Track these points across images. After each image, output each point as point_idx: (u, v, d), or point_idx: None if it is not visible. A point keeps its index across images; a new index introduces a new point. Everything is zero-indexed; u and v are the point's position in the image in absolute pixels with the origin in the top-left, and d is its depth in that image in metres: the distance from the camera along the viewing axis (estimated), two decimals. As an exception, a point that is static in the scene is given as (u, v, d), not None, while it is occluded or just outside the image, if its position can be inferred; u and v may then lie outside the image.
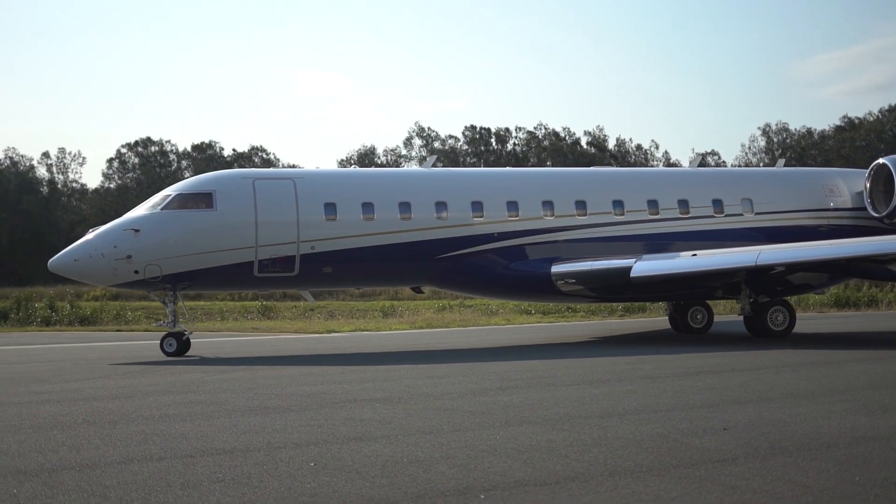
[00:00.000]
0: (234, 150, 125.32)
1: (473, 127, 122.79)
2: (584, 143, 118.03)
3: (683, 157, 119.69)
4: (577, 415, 12.34)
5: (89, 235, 23.91)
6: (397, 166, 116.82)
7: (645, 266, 24.77)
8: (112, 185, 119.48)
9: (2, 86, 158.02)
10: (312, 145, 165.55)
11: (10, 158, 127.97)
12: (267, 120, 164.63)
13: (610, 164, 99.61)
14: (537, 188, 26.75)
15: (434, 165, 28.94)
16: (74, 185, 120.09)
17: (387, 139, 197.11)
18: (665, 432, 10.79)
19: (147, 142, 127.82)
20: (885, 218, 28.08)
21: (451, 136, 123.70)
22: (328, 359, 22.78)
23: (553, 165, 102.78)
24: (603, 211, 26.54)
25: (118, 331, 40.01)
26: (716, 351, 21.89)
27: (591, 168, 36.35)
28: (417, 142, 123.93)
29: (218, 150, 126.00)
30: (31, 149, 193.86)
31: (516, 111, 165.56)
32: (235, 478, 8.92)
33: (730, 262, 24.61)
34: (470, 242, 25.30)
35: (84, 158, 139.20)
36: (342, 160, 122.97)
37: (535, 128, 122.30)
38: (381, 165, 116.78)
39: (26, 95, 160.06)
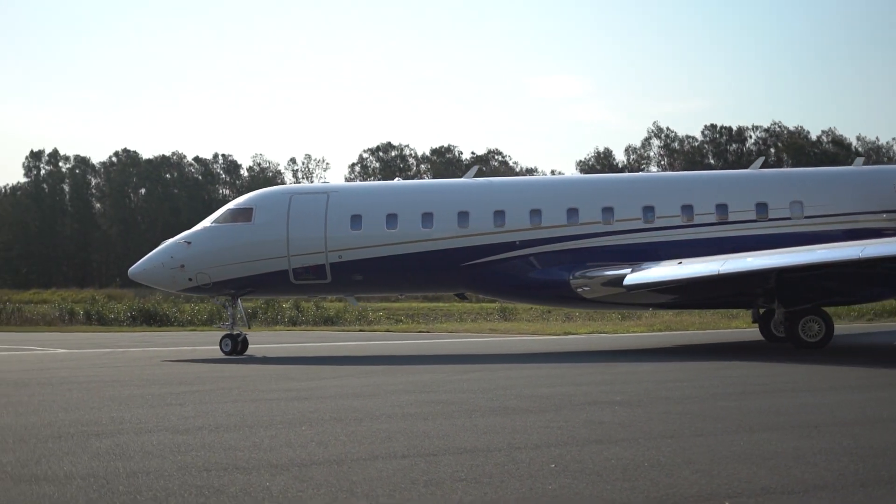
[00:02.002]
0: (472, 153, 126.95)
1: (714, 126, 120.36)
2: (820, 140, 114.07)
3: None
4: (824, 422, 11.92)
5: (160, 246, 26.75)
6: (638, 168, 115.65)
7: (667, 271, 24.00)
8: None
9: (251, 95, 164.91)
10: (549, 148, 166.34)
11: (259, 165, 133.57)
12: (504, 123, 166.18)
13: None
14: (563, 196, 26.54)
15: (475, 176, 29.72)
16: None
17: (624, 140, 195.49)
18: (921, 442, 10.31)
19: (388, 147, 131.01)
20: None
21: (689, 136, 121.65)
22: (564, 359, 22.72)
23: (794, 165, 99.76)
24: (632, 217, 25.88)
25: (360, 331, 41.11)
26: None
27: (621, 174, 34.57)
28: (656, 142, 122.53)
29: (456, 153, 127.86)
30: (278, 155, 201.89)
31: (754, 109, 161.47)
32: (477, 477, 9.01)
33: (756, 265, 23.04)
34: (491, 251, 25.73)
35: (328, 164, 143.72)
36: (580, 161, 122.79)
37: (771, 125, 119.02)
38: (622, 168, 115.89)
39: (274, 104, 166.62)
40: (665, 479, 8.73)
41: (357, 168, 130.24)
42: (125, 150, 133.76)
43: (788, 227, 25.34)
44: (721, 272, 22.93)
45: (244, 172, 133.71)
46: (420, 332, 38.82)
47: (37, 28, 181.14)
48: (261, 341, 33.39)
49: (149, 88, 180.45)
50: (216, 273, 25.88)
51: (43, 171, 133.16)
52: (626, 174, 41.32)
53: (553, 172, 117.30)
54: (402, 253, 25.76)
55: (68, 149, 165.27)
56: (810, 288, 23.85)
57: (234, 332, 26.41)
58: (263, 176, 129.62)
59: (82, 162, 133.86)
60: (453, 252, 25.77)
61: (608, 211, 25.83)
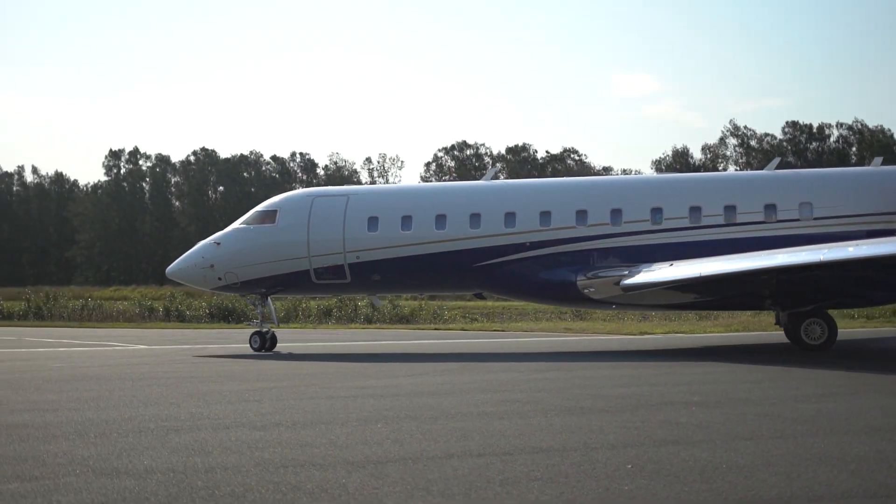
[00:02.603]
0: (547, 151, 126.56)
1: (794, 123, 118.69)
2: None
3: None
4: (907, 425, 11.72)
5: (195, 247, 28.12)
6: (715, 168, 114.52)
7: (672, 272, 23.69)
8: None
9: (329, 94, 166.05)
10: (625, 147, 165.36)
11: (335, 163, 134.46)
12: (580, 122, 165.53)
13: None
14: (571, 198, 26.54)
15: (495, 178, 28.85)
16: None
17: (700, 139, 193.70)
18: None
19: (462, 145, 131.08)
20: None
21: (767, 134, 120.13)
22: (639, 358, 22.56)
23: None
24: (641, 219, 25.66)
25: (435, 329, 41.18)
26: None
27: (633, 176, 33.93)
28: (732, 141, 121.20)
29: (531, 152, 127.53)
30: (353, 154, 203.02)
31: (834, 107, 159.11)
32: (553, 477, 8.99)
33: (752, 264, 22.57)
34: (502, 252, 25.94)
35: (403, 162, 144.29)
36: (655, 160, 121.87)
37: (853, 122, 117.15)
38: (698, 167, 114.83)
39: (350, 103, 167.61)
40: (743, 482, 8.63)
41: (433, 167, 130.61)
42: (203, 149, 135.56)
43: (797, 229, 24.81)
44: (702, 275, 22.91)
45: (320, 171, 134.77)
46: (494, 330, 38.78)
47: (116, 29, 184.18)
48: (334, 339, 33.62)
49: (227, 88, 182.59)
50: (243, 273, 26.94)
51: (123, 170, 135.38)
52: (636, 176, 40.92)
53: (628, 171, 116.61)
54: (417, 254, 26.30)
55: (148, 147, 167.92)
56: (809, 289, 23.49)
57: (263, 330, 27.50)
58: (339, 174, 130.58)
59: (162, 160, 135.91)
60: (466, 253, 26.13)
61: (616, 213, 25.84)
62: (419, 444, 10.83)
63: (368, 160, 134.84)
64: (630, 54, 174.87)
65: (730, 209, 25.40)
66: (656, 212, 25.53)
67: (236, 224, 27.91)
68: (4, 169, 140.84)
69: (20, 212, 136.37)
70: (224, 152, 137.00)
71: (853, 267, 22.04)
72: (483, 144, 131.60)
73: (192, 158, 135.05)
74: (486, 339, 32.07)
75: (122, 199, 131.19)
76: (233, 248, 27.00)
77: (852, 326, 34.68)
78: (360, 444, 10.84)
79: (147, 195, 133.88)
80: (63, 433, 11.98)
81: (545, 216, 25.95)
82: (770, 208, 25.29)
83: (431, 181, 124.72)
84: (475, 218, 26.20)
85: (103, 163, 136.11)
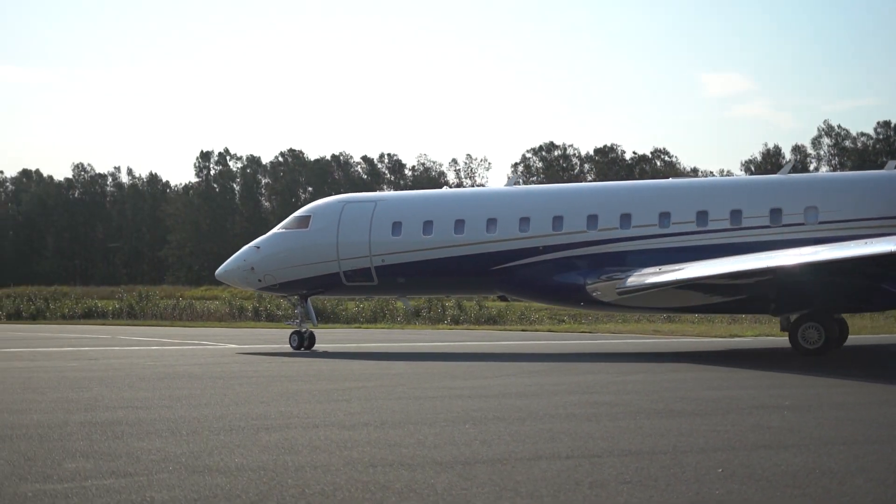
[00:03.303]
0: (634, 152, 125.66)
1: (888, 123, 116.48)
2: None
3: None
4: None
5: (240, 250, 29.54)
6: (804, 168, 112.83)
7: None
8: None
9: (417, 96, 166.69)
10: (716, 147, 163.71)
11: (423, 164, 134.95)
12: (670, 122, 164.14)
13: None
14: (582, 203, 26.90)
15: (516, 184, 31.43)
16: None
17: (791, 139, 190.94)
18: None
19: (550, 146, 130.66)
20: None
21: (862, 134, 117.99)
22: (728, 362, 22.30)
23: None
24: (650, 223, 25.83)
25: (523, 330, 41.17)
26: None
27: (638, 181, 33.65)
28: (826, 141, 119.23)
29: (619, 153, 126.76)
30: (441, 155, 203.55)
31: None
32: (642, 480, 8.91)
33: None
34: (517, 256, 26.46)
35: (490, 164, 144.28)
36: (745, 161, 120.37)
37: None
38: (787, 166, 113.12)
39: (439, 104, 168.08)
40: (837, 487, 8.48)
41: (520, 168, 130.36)
42: (291, 150, 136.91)
43: (802, 234, 24.43)
44: (687, 278, 22.87)
45: (408, 172, 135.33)
46: (582, 332, 38.64)
47: (208, 33, 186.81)
48: (421, 339, 33.75)
49: (317, 89, 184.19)
50: (280, 275, 28.26)
51: (213, 171, 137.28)
52: (646, 181, 40.89)
53: (719, 173, 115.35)
54: (437, 257, 27.11)
55: (238, 148, 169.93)
56: (803, 293, 23.24)
57: (302, 329, 28.48)
58: (426, 176, 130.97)
59: (252, 161, 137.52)
60: (483, 256, 26.79)
61: (626, 217, 25.98)
62: (507, 445, 10.81)
63: (454, 161, 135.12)
64: (720, 53, 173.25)
65: (735, 214, 25.27)
66: (664, 216, 25.66)
67: (276, 229, 29.32)
68: (98, 170, 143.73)
69: (114, 212, 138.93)
70: (313, 153, 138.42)
71: (840, 269, 21.83)
72: (571, 145, 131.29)
73: (280, 159, 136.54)
74: (574, 341, 31.96)
75: (213, 200, 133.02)
76: (271, 251, 28.40)
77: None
78: (449, 445, 10.86)
79: (237, 196, 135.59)
80: (156, 430, 12.17)
81: (558, 221, 26.41)
82: (776, 213, 25.04)
83: (519, 183, 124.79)
84: (492, 223, 26.86)
85: (194, 164, 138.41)
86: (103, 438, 11.53)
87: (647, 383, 17.60)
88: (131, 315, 55.41)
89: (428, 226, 27.30)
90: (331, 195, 35.27)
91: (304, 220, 28.53)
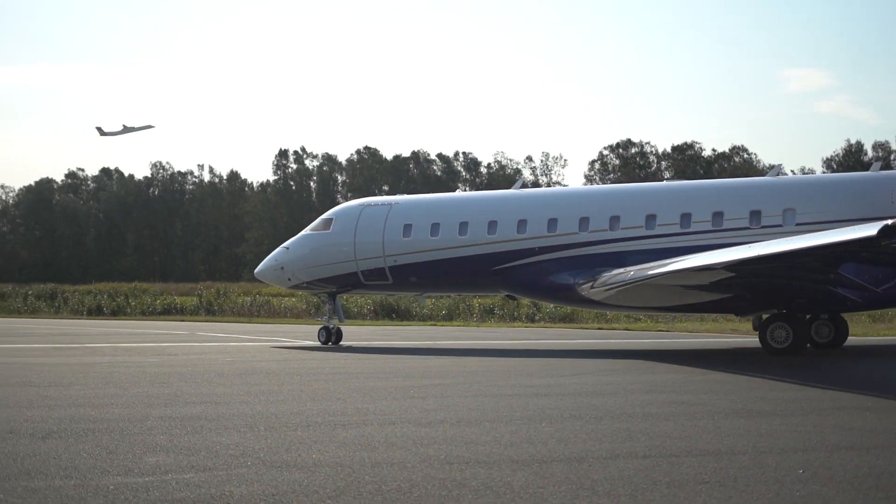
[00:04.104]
0: (713, 150, 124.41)
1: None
2: None
3: None
4: None
5: (274, 251, 31.11)
6: (887, 166, 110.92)
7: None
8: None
9: (493, 93, 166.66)
10: (795, 144, 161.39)
11: (499, 162, 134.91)
12: (749, 118, 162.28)
13: None
14: (575, 206, 27.73)
15: (522, 187, 32.69)
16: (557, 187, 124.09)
17: (874, 135, 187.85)
18: None
19: (627, 143, 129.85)
20: None
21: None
22: (808, 361, 21.99)
23: None
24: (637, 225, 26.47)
25: (599, 328, 40.99)
26: None
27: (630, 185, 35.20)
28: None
29: (697, 150, 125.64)
30: (516, 152, 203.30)
31: None
32: (721, 480, 8.82)
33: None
34: (515, 256, 27.34)
35: (566, 161, 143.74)
36: (826, 158, 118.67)
37: None
38: (868, 163, 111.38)
39: (515, 101, 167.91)
40: (922, 490, 8.33)
41: (597, 165, 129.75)
42: (367, 148, 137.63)
43: (779, 234, 24.11)
44: (648, 275, 22.96)
45: (483, 170, 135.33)
46: (659, 330, 38.37)
47: (285, 32, 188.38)
48: (497, 337, 33.74)
49: (392, 87, 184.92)
50: (306, 274, 29.84)
51: (290, 169, 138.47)
52: (635, 184, 41.39)
53: (800, 170, 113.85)
54: (443, 258, 28.29)
55: (314, 147, 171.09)
56: (770, 291, 23.61)
57: (329, 325, 29.60)
58: (502, 173, 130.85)
59: (329, 159, 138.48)
60: (485, 257, 27.81)
61: (615, 219, 26.65)
62: (584, 443, 10.77)
63: (530, 159, 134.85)
64: (800, 48, 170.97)
65: (718, 215, 25.57)
66: (651, 219, 26.24)
67: (304, 231, 30.90)
68: (177, 168, 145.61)
69: (192, 210, 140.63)
70: (389, 151, 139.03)
71: (794, 263, 21.68)
72: (648, 142, 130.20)
73: (355, 157, 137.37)
74: (651, 339, 31.75)
75: (290, 198, 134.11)
76: (297, 252, 30.03)
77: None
78: (525, 443, 10.83)
79: (314, 194, 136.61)
80: (234, 426, 12.30)
81: (552, 223, 27.25)
82: (755, 215, 25.32)
83: (595, 181, 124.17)
84: (492, 225, 27.93)
85: (272, 162, 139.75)
86: (183, 433, 11.67)
87: (725, 382, 17.43)
88: (210, 311, 56.12)
89: (435, 228, 28.55)
90: (407, 193, 35.91)
91: (327, 223, 30.09)
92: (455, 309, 50.11)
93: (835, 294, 23.51)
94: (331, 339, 29.19)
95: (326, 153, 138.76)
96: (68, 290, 73.15)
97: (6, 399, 15.32)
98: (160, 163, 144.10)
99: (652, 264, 23.72)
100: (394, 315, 49.75)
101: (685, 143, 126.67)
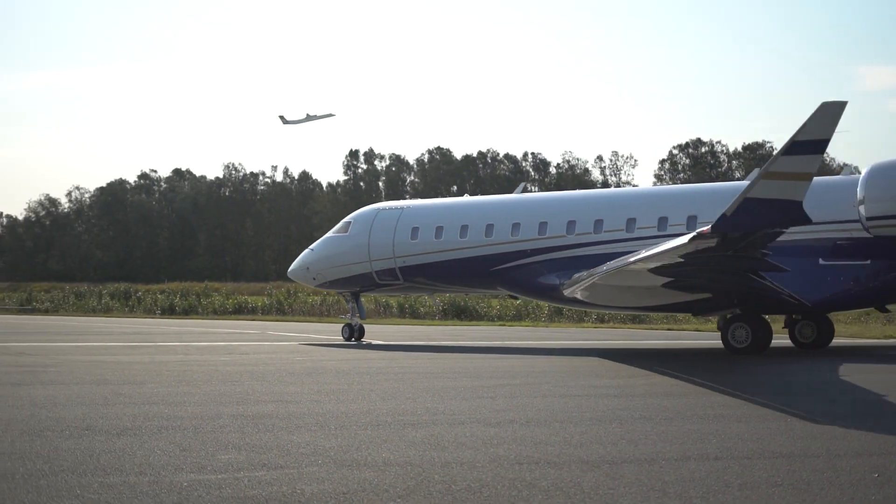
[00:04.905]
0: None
1: None
2: None
3: None
4: None
5: (302, 252, 33.05)
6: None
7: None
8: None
9: (561, 93, 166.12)
10: (870, 142, 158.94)
11: (567, 162, 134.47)
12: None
13: None
14: (563, 210, 28.89)
15: (525, 191, 34.10)
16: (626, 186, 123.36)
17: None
18: None
19: (697, 143, 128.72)
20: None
21: None
22: (884, 362, 21.67)
23: None
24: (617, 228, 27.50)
25: (668, 329, 40.79)
26: None
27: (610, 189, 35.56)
28: None
29: (768, 149, 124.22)
30: (585, 152, 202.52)
31: None
32: (794, 483, 8.72)
33: None
34: (509, 258, 28.55)
35: (636, 161, 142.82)
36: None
37: None
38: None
39: (584, 101, 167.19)
40: None
41: (666, 165, 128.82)
42: (438, 148, 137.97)
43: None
44: (601, 272, 23.57)
45: (552, 170, 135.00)
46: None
47: (356, 36, 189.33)
48: (565, 337, 33.63)
49: (461, 88, 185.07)
50: (327, 274, 31.66)
51: (360, 170, 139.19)
52: (611, 189, 41.99)
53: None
54: (447, 259, 29.78)
55: (383, 147, 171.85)
56: (746, 295, 24.17)
57: (352, 322, 31.65)
58: (571, 173, 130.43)
59: (397, 160, 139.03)
60: (483, 258, 29.20)
61: (599, 223, 27.83)
62: (655, 445, 10.70)
63: (600, 158, 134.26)
64: (874, 45, 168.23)
65: (692, 219, 26.21)
66: (631, 222, 27.28)
67: (328, 233, 32.72)
68: (249, 169, 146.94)
69: (263, 210, 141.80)
70: (458, 151, 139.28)
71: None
72: (719, 142, 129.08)
73: (426, 157, 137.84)
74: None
75: (359, 198, 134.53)
76: (320, 253, 31.99)
77: None
78: (595, 444, 10.79)
79: (383, 194, 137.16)
80: (305, 424, 12.39)
81: (543, 226, 28.39)
82: (692, 219, 26.08)
83: (665, 180, 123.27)
84: (489, 228, 29.37)
85: (342, 162, 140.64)
86: (255, 431, 11.78)
87: (799, 384, 17.21)
88: (280, 311, 56.61)
89: (439, 231, 30.18)
90: (477, 194, 36.36)
91: (346, 226, 32.01)
92: (524, 309, 50.03)
93: (777, 295, 23.94)
94: (353, 335, 31.15)
95: (395, 153, 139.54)
96: (141, 289, 74.27)
97: (82, 396, 15.58)
98: (232, 164, 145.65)
99: (602, 266, 24.48)
100: (462, 315, 49.81)
101: (756, 143, 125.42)
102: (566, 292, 25.90)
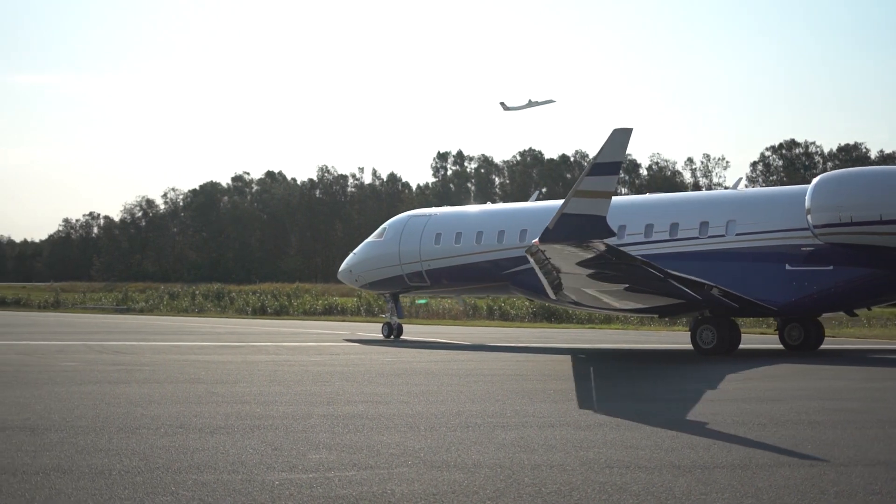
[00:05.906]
0: (880, 151, 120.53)
1: None
2: None
3: None
4: None
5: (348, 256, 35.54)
6: None
7: None
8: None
9: (650, 95, 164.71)
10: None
11: (656, 164, 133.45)
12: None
13: None
14: None
15: (539, 198, 36.43)
16: (717, 189, 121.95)
17: None
18: None
19: (791, 144, 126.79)
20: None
21: None
22: None
23: None
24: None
25: (762, 333, 40.08)
26: None
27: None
28: None
29: (863, 150, 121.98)
30: (675, 154, 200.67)
31: None
32: (892, 491, 8.57)
33: None
34: (517, 263, 29.19)
35: (728, 162, 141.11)
36: None
37: None
38: None
39: (673, 103, 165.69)
40: None
41: (759, 167, 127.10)
42: (529, 150, 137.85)
43: (722, 244, 26.86)
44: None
45: (643, 171, 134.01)
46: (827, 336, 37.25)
47: (443, 39, 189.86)
48: (632, 341, 33.36)
49: (552, 90, 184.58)
50: (366, 276, 34.18)
51: (449, 171, 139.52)
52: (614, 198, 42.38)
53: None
54: (464, 263, 31.66)
55: (472, 149, 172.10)
56: (714, 300, 25.24)
57: (392, 322, 34.34)
58: (661, 175, 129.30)
59: (486, 161, 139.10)
60: (496, 263, 30.94)
61: None
62: (747, 450, 10.55)
63: (690, 161, 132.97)
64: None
65: (674, 226, 27.69)
66: (621, 229, 27.65)
67: (368, 238, 35.08)
68: (340, 171, 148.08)
69: (353, 212, 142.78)
70: (549, 153, 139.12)
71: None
72: (813, 143, 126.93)
73: (517, 158, 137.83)
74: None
75: (448, 200, 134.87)
76: (360, 257, 34.50)
77: None
78: (687, 448, 10.68)
79: (472, 195, 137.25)
80: (395, 425, 12.44)
81: None
82: (704, 225, 27.34)
83: (758, 182, 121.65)
84: (501, 234, 31.03)
85: (431, 164, 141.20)
86: (345, 431, 11.86)
87: (894, 390, 16.86)
88: (369, 312, 56.83)
89: (458, 236, 32.05)
90: (565, 194, 36.64)
91: (382, 232, 34.24)
92: (612, 312, 49.62)
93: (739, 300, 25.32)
94: (392, 333, 33.87)
95: (483, 155, 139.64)
96: (234, 289, 75.10)
97: (176, 395, 15.83)
98: (325, 166, 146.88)
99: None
100: (552, 318, 49.61)
101: (850, 144, 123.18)
102: (556, 296, 26.12)
